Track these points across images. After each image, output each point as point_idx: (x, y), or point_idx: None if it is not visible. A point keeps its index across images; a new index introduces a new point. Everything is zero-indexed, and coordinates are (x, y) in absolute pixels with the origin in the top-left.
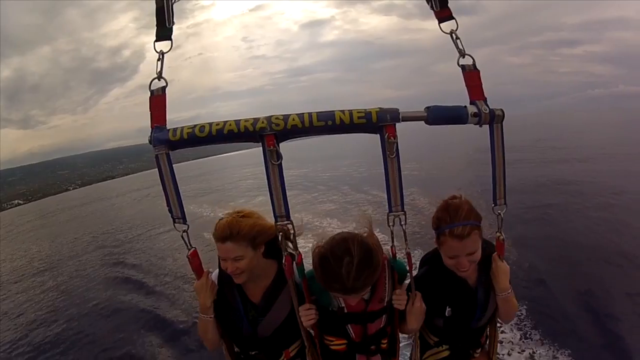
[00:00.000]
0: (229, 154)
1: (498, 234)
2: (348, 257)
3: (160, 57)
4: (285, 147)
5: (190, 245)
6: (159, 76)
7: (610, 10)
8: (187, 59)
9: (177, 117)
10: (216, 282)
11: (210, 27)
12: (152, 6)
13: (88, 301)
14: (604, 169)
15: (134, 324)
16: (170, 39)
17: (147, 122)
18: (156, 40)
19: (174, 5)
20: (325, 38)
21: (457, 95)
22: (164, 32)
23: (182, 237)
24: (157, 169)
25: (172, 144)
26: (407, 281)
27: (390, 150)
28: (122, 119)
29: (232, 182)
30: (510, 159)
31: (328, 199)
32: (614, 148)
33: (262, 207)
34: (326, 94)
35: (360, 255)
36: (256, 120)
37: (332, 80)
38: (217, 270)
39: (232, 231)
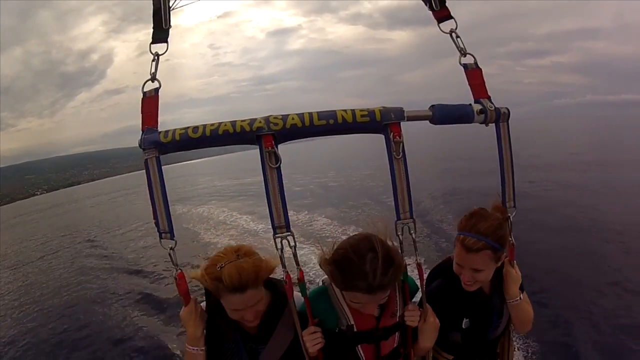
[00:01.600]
0: (191, 161)
1: (509, 237)
2: (372, 253)
3: (156, 58)
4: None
5: (178, 266)
6: (153, 78)
7: (579, 20)
8: None
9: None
10: (204, 309)
11: (178, 33)
12: (122, 10)
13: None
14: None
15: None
16: (167, 42)
17: (111, 127)
18: (152, 43)
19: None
20: (291, 46)
21: (421, 104)
22: (160, 34)
23: (169, 255)
24: (119, 176)
25: (163, 146)
26: (418, 296)
27: (396, 151)
28: (87, 124)
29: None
30: (456, 167)
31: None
32: (561, 156)
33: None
34: (291, 103)
35: (384, 251)
36: (253, 120)
37: (297, 89)
38: (205, 300)
39: (251, 277)
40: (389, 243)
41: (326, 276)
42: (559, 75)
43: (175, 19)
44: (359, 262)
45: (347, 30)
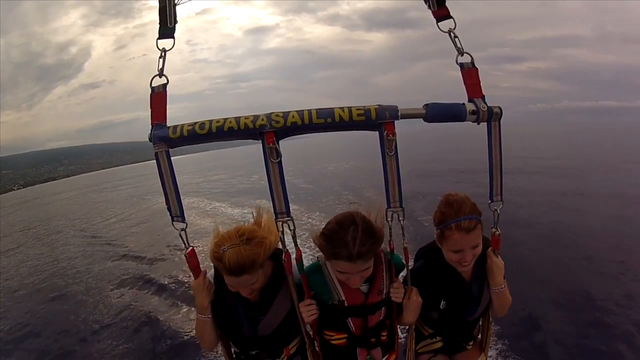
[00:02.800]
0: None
1: (494, 229)
2: (353, 226)
3: (163, 54)
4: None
5: (188, 243)
6: (160, 73)
7: (560, 28)
8: (130, 59)
9: (118, 117)
10: (212, 281)
11: (156, 28)
12: (102, 3)
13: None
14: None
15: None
16: (173, 37)
17: (86, 122)
18: (159, 38)
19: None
20: (267, 45)
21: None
22: (166, 30)
23: (180, 235)
24: (94, 172)
25: (172, 141)
26: (404, 274)
27: (389, 148)
28: (63, 119)
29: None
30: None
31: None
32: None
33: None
34: (263, 102)
35: (364, 225)
36: (256, 117)
37: (271, 87)
38: (213, 270)
39: (247, 265)
40: (379, 223)
41: (320, 253)
42: (536, 80)
43: (154, 13)
44: (342, 233)
45: (324, 30)
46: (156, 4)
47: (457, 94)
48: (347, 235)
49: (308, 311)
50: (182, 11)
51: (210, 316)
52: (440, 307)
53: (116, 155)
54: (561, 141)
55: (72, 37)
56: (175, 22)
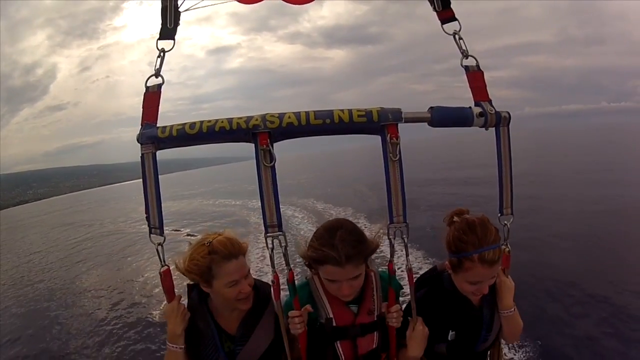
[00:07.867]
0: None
1: (504, 246)
2: (341, 230)
3: (161, 55)
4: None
5: (164, 261)
6: (157, 73)
7: (520, 36)
8: (94, 81)
9: (82, 140)
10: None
11: (119, 50)
12: (67, 24)
13: None
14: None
15: None
16: (173, 38)
17: (52, 145)
18: (159, 39)
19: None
20: (229, 65)
21: None
22: (167, 31)
23: (156, 250)
24: (59, 195)
25: (161, 141)
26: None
27: (392, 152)
28: (30, 142)
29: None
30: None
31: None
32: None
33: None
34: None
35: (352, 228)
36: (249, 117)
37: (233, 108)
38: (187, 299)
39: (240, 246)
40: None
41: (308, 272)
42: (498, 89)
43: (117, 35)
44: (329, 237)
45: (285, 49)
46: (120, 24)
47: (421, 107)
48: (334, 239)
49: (297, 322)
50: (144, 32)
51: (183, 346)
52: (449, 338)
53: (83, 178)
54: (520, 146)
55: (39, 59)
56: (177, 23)
